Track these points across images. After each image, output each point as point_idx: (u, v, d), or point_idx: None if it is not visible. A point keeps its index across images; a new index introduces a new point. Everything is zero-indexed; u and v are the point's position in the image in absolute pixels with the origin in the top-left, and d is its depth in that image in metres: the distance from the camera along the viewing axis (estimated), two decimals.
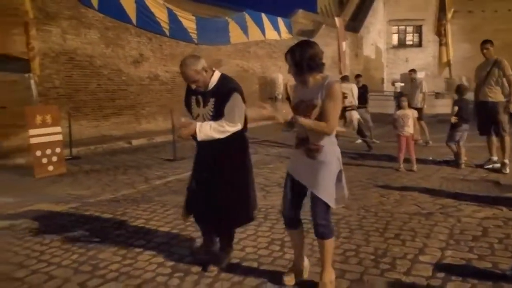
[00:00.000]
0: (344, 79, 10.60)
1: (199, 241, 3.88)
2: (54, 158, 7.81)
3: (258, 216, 4.63)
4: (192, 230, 4.26)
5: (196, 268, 3.39)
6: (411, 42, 33.29)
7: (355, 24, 30.07)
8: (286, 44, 22.65)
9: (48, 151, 7.71)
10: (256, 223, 4.41)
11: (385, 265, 3.32)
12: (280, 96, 20.76)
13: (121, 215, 4.98)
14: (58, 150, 7.89)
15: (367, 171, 6.99)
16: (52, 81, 11.50)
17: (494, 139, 6.85)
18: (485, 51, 6.71)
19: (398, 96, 8.33)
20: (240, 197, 3.37)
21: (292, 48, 2.83)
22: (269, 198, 5.50)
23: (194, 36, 13.01)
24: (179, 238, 4.13)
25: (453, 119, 6.86)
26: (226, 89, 3.27)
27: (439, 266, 3.27)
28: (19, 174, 7.76)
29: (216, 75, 3.34)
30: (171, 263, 3.53)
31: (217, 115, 3.24)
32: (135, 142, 11.97)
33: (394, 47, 33.34)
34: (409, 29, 33.16)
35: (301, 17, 26.19)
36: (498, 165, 6.70)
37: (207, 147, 3.31)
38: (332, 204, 2.84)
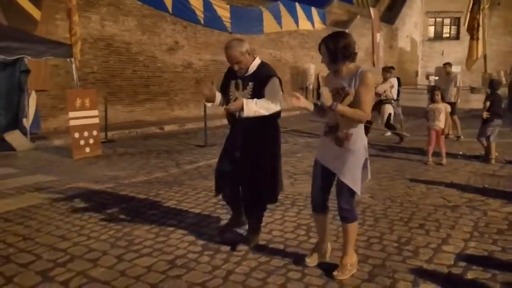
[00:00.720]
0: (387, 71, 10.03)
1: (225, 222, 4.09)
2: (91, 141, 8.15)
3: (285, 202, 4.80)
4: (222, 213, 4.45)
5: (225, 248, 3.57)
6: (448, 35, 32.37)
7: (391, 15, 29.54)
8: (319, 35, 22.57)
9: (86, 134, 8.05)
10: (283, 208, 4.57)
11: (408, 253, 3.41)
12: (311, 86, 20.74)
13: (155, 196, 5.22)
14: (95, 133, 8.23)
15: (395, 163, 7.02)
16: (90, 66, 11.93)
17: None
18: None
19: (431, 89, 8.25)
20: (268, 178, 3.54)
21: (326, 38, 2.93)
22: (296, 185, 5.64)
23: (228, 25, 13.14)
24: (209, 219, 4.32)
25: (485, 114, 6.78)
26: (265, 74, 3.46)
27: (461, 256, 3.34)
28: (59, 155, 8.16)
29: (257, 61, 3.54)
30: (201, 242, 3.72)
31: (256, 97, 3.41)
32: (167, 128, 12.28)
33: (430, 39, 32.53)
34: (447, 21, 32.23)
35: (336, 7, 25.90)
36: None
37: (240, 129, 3.50)
38: (358, 190, 2.95)
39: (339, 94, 2.91)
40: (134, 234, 3.94)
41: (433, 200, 4.87)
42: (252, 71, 3.50)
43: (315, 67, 20.31)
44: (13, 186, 5.75)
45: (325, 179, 3.12)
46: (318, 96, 21.66)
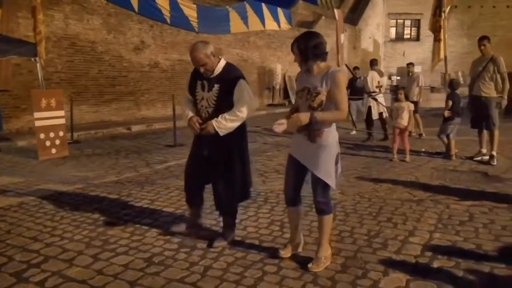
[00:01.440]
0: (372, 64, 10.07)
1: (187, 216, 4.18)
2: (57, 141, 7.98)
3: (258, 199, 4.89)
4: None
5: (201, 244, 3.63)
6: (408, 36, 33.44)
7: (354, 16, 30.20)
8: (285, 35, 22.80)
9: (52, 134, 7.88)
10: (257, 206, 4.66)
11: (377, 245, 3.57)
12: (277, 86, 20.97)
13: (127, 196, 5.20)
14: (61, 133, 8.06)
15: (362, 161, 7.24)
16: (54, 66, 11.65)
17: (485, 132, 7.11)
18: (482, 47, 6.87)
19: (395, 89, 8.55)
20: (237, 175, 3.62)
21: (298, 37, 3.05)
22: (268, 183, 5.74)
23: (195, 24, 13.08)
24: (184, 217, 4.34)
25: (447, 113, 7.09)
26: (232, 76, 3.52)
27: (427, 247, 3.52)
28: (23, 156, 7.96)
29: (222, 62, 3.58)
30: (177, 240, 3.75)
31: (221, 99, 3.48)
32: (134, 128, 12.16)
33: (392, 40, 33.50)
34: (407, 23, 33.28)
35: (301, 8, 26.29)
36: (487, 157, 6.96)
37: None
38: (332, 184, 3.08)
39: (310, 93, 3.02)
40: (109, 233, 3.93)
41: (399, 195, 5.08)
42: (217, 73, 3.53)
43: (281, 67, 20.56)
44: None
45: (297, 174, 3.23)
46: (285, 96, 21.92)
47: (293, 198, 3.31)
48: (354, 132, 10.74)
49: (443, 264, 3.20)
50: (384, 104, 9.60)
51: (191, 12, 12.91)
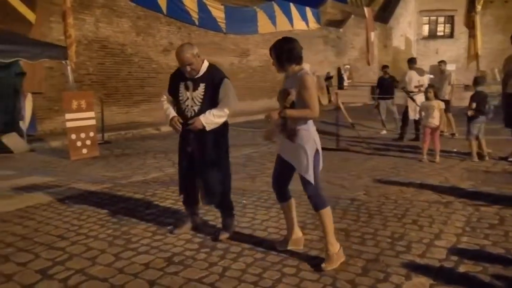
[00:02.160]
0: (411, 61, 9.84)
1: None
2: (88, 142, 8.19)
3: None
4: (217, 211, 4.48)
5: (221, 245, 3.63)
6: (442, 33, 32.54)
7: (385, 14, 29.66)
8: (313, 35, 22.58)
9: (83, 135, 8.08)
10: (279, 207, 4.60)
11: (401, 248, 3.48)
12: None
13: (151, 195, 5.27)
14: (91, 134, 8.26)
15: (390, 161, 7.09)
16: (86, 68, 11.95)
17: None
18: None
19: (425, 88, 8.30)
20: (225, 168, 3.85)
21: (274, 44, 3.27)
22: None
23: (222, 25, 13.17)
24: (206, 218, 4.36)
25: (470, 112, 6.84)
26: (217, 76, 3.73)
27: (454, 250, 3.40)
28: (56, 156, 8.20)
29: (206, 63, 3.79)
30: (198, 240, 3.77)
31: (207, 98, 3.67)
32: (163, 129, 12.31)
33: (425, 38, 32.68)
34: (441, 19, 32.38)
35: (330, 7, 25.99)
36: None
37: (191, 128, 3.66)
38: (311, 179, 3.19)
39: (283, 94, 3.21)
40: (132, 232, 3.99)
41: (427, 197, 4.94)
42: (202, 73, 3.71)
43: (310, 66, 20.38)
44: (10, 188, 5.79)
45: (283, 170, 3.40)
46: None
47: (280, 194, 3.48)
48: (384, 132, 10.55)
49: (469, 269, 3.09)
50: (419, 104, 9.34)
51: (218, 13, 13.00)
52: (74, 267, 3.27)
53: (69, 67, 8.47)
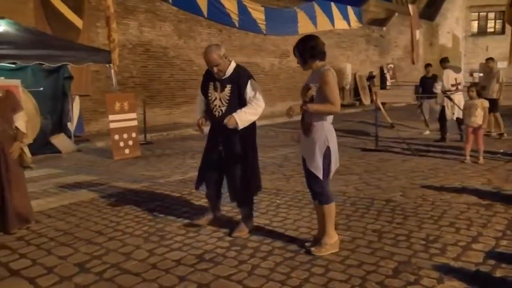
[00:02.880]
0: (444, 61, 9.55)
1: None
2: (130, 142, 8.47)
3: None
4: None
5: (252, 243, 3.67)
6: (492, 30, 31.12)
7: (431, 11, 28.77)
8: (355, 34, 22.29)
9: (125, 136, 8.38)
10: (312, 206, 4.59)
11: (435, 250, 3.38)
12: (347, 86, 20.53)
13: (188, 194, 5.38)
14: (134, 135, 8.54)
15: (430, 162, 6.88)
16: (129, 71, 12.37)
17: None
18: None
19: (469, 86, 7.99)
20: (252, 167, 3.91)
21: (297, 41, 3.35)
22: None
23: (262, 27, 13.27)
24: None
25: None
26: (243, 76, 3.80)
27: (491, 254, 3.27)
28: (100, 156, 8.54)
29: (233, 64, 3.84)
30: (229, 238, 3.82)
31: (233, 98, 3.76)
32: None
33: (474, 35, 31.41)
34: (491, 15, 31.02)
35: (373, 5, 25.49)
36: None
37: (221, 126, 3.75)
38: (320, 175, 3.28)
39: (305, 89, 3.31)
40: (166, 230, 4.10)
41: (466, 199, 4.76)
42: (229, 74, 3.79)
43: (351, 66, 20.10)
44: (56, 185, 6.09)
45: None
46: (356, 95, 21.43)
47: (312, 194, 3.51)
48: (427, 132, 10.24)
49: (507, 273, 2.95)
50: (461, 105, 8.99)
51: (259, 15, 13.09)
52: (110, 261, 3.41)
53: (112, 70, 8.80)
